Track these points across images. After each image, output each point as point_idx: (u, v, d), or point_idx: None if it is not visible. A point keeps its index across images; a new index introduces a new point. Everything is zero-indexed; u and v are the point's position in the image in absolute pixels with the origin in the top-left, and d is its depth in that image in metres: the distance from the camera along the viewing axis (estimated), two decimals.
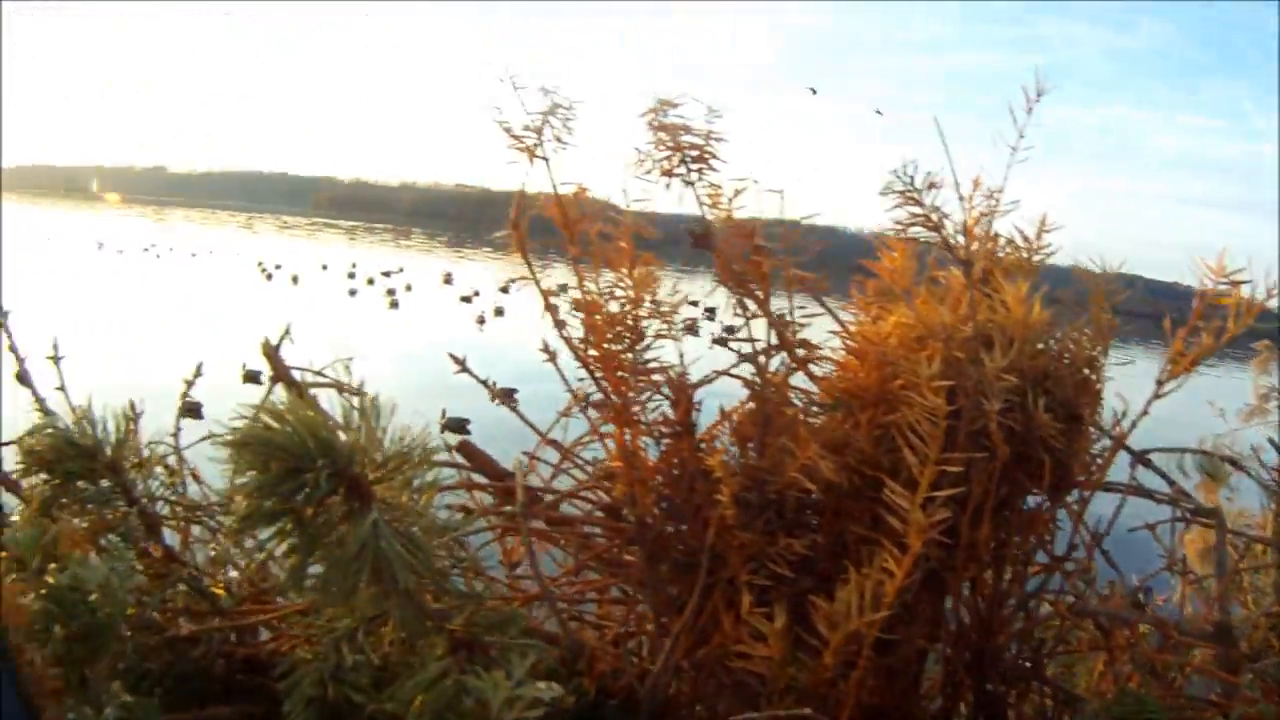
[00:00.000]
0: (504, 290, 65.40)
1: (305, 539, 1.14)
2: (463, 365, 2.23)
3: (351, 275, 69.09)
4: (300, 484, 1.11)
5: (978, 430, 1.50)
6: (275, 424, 1.13)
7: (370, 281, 65.99)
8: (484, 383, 2.33)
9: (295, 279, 63.97)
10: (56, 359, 2.34)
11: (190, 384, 2.34)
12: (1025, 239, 1.72)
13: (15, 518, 1.52)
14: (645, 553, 1.67)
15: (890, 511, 1.37)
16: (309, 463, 1.12)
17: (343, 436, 1.16)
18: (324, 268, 73.58)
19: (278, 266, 69.22)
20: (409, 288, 61.96)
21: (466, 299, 58.14)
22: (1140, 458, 1.98)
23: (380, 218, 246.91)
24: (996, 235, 1.69)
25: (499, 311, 53.14)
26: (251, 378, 28.22)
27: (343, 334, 41.36)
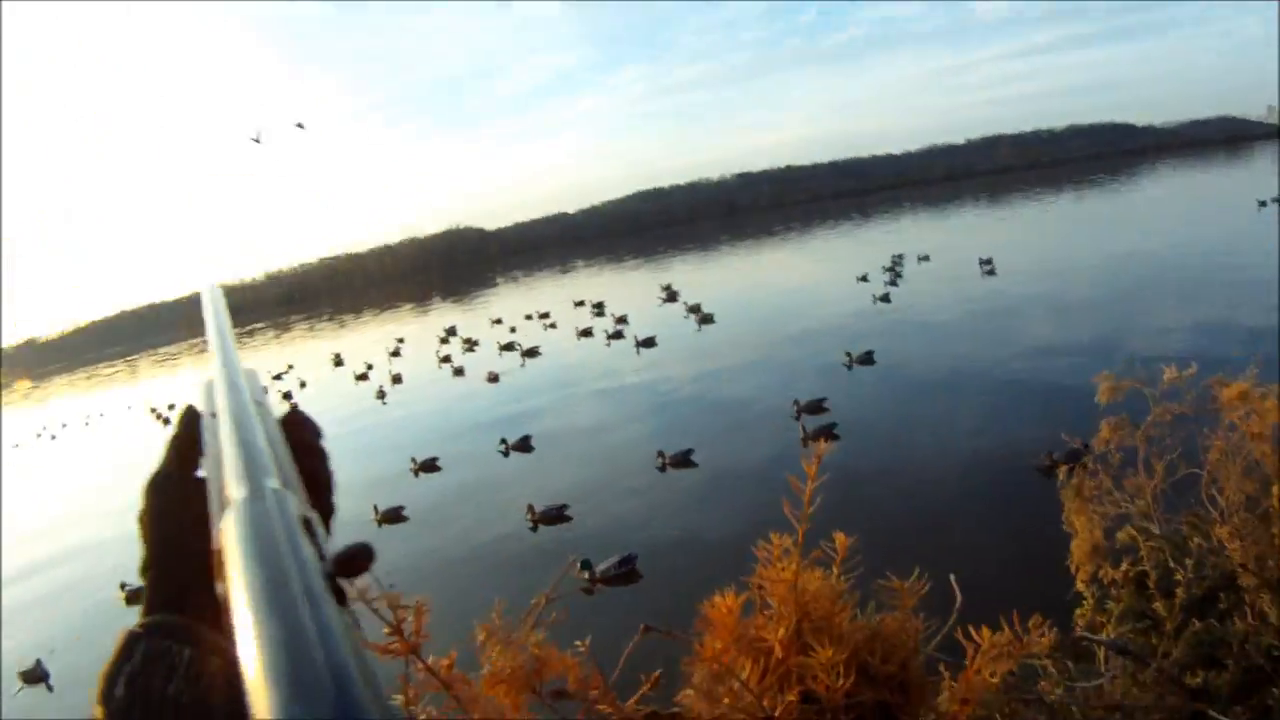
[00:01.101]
0: (395, 354, 65.56)
1: None
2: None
3: None
4: None
5: None
6: None
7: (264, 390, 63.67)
8: None
9: (166, 420, 62.67)
10: None
11: None
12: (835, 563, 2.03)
13: None
14: None
15: None
16: None
17: None
18: None
19: (170, 407, 67.12)
20: (304, 384, 61.18)
21: (362, 376, 57.30)
22: None
23: (257, 316, 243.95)
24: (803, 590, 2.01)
25: (396, 379, 53.11)
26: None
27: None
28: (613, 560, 18.36)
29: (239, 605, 0.51)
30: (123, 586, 24.84)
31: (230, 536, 0.57)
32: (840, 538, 2.03)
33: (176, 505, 0.77)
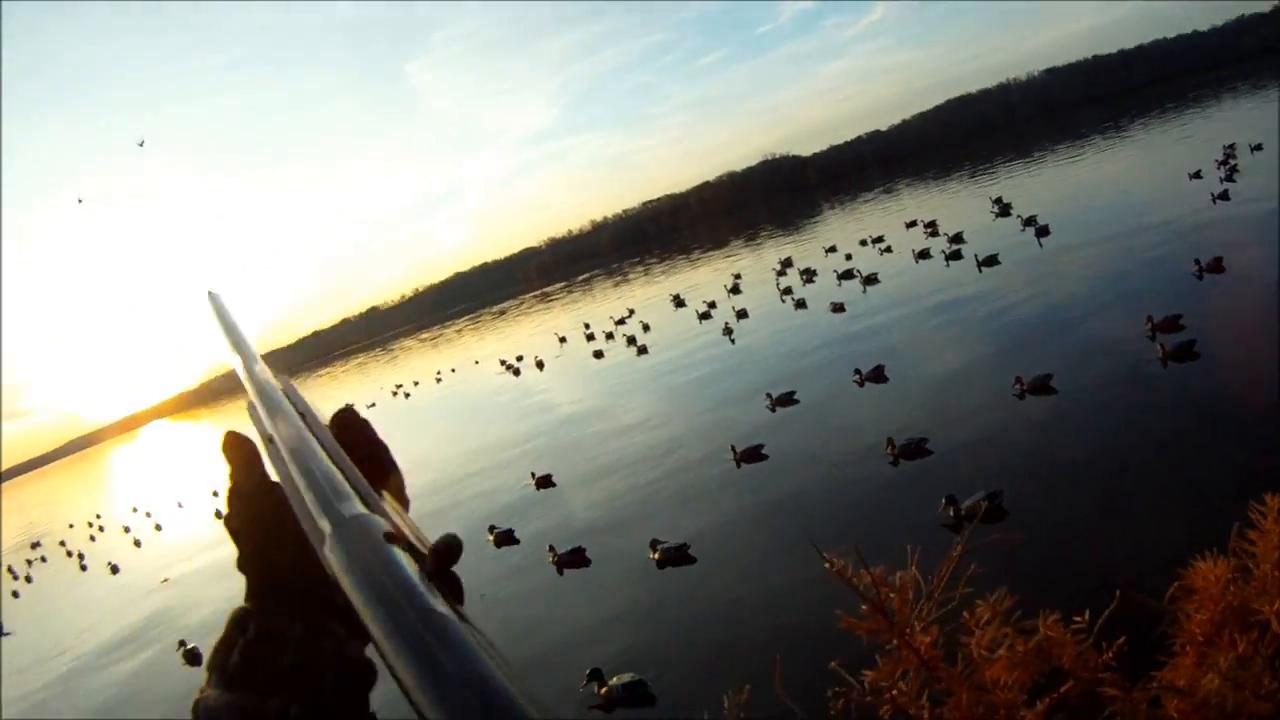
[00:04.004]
0: (734, 290, 65.63)
1: None
2: None
3: (589, 337, 69.69)
4: None
5: None
6: None
7: (609, 336, 66.10)
8: None
9: (540, 364, 65.52)
10: None
11: None
12: None
13: None
14: None
15: None
16: None
17: None
18: (562, 340, 74.48)
19: (519, 358, 70.67)
20: (646, 328, 62.41)
21: (705, 315, 58.56)
22: None
23: (590, 265, 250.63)
24: None
25: (741, 315, 53.59)
26: (544, 482, 29.74)
27: (611, 401, 42.39)
28: (978, 496, 17.63)
29: (375, 636, 0.55)
30: (532, 475, 27.20)
31: (334, 570, 0.64)
32: None
33: (258, 513, 0.84)
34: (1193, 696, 1.76)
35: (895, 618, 1.91)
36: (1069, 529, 15.84)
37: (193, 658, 26.86)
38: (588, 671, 16.31)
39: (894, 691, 2.04)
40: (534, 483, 30.56)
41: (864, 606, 1.88)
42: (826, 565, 1.90)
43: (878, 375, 29.55)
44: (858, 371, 29.88)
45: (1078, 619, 1.96)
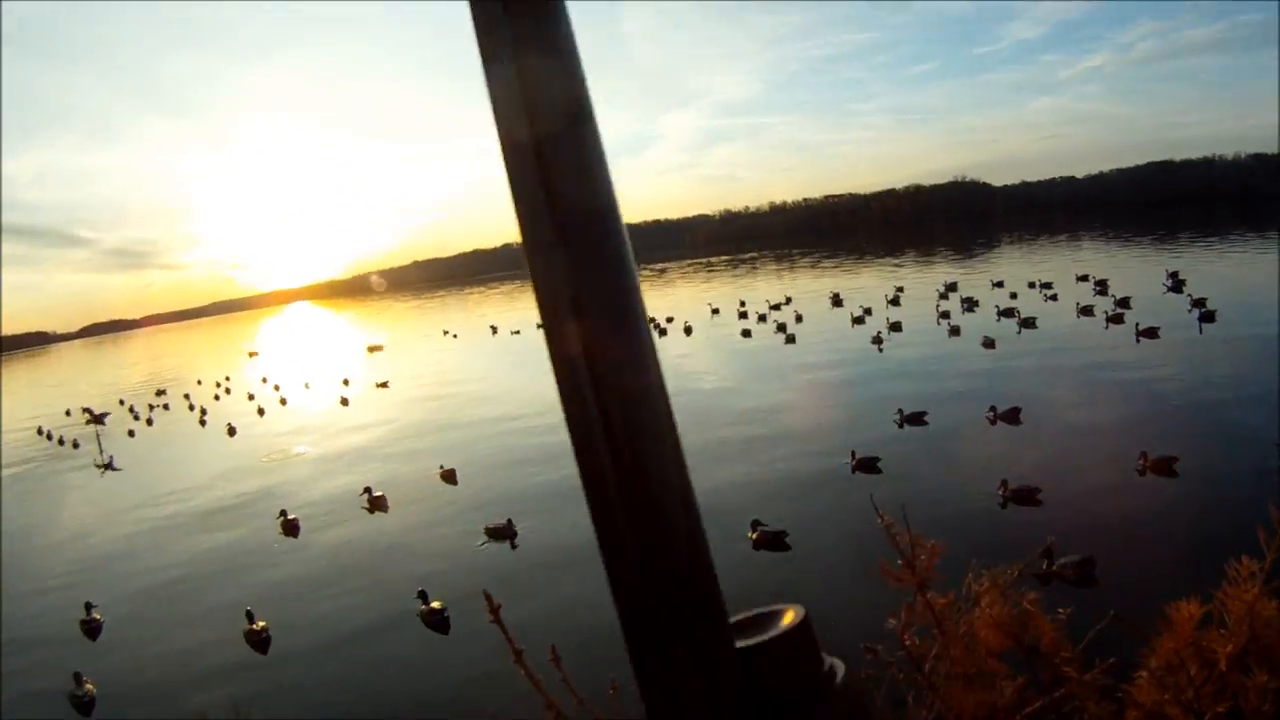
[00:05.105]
0: (894, 302, 65.05)
1: None
2: None
3: (742, 315, 69.63)
4: None
5: None
6: None
7: (761, 318, 66.13)
8: None
9: (689, 329, 65.71)
10: None
11: None
12: None
13: None
14: None
15: None
16: None
17: None
18: (714, 312, 74.78)
19: (668, 319, 70.56)
20: (799, 318, 62.24)
21: (859, 320, 58.25)
22: None
23: (758, 245, 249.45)
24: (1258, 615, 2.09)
25: (895, 327, 53.15)
26: None
27: (748, 380, 42.91)
28: (1074, 557, 17.85)
29: None
30: None
31: None
32: None
33: None
34: (1141, 707, 2.06)
35: (924, 576, 2.18)
36: (1152, 613, 15.80)
37: (291, 528, 27.72)
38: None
39: (906, 636, 2.29)
40: None
41: (900, 561, 2.16)
42: (879, 519, 2.42)
43: (1011, 416, 29.45)
44: (993, 409, 29.75)
45: (1060, 611, 2.27)
